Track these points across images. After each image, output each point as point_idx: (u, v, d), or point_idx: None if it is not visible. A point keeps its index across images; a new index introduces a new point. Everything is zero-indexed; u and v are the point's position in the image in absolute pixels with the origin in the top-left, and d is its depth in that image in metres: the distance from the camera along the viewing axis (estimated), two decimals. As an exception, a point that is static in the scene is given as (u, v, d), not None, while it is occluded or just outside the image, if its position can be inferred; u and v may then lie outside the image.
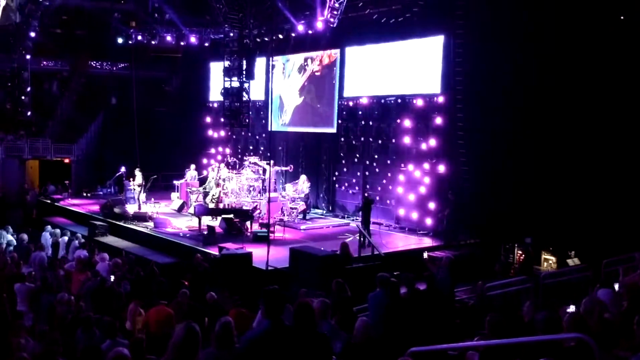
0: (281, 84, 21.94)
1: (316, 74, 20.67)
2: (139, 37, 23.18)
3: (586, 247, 12.94)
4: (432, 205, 16.59)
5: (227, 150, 24.08)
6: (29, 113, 24.80)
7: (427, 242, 15.79)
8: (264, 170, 18.63)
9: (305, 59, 20.99)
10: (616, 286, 8.02)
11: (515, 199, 14.62)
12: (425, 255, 14.37)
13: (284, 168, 20.58)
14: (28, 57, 24.39)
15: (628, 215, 12.52)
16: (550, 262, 13.56)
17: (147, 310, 8.04)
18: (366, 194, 17.29)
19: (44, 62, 26.92)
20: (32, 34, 23.71)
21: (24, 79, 24.54)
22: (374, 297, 7.39)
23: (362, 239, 14.30)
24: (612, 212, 12.82)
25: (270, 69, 19.35)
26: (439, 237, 16.01)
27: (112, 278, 10.43)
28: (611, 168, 13.14)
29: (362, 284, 8.17)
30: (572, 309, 6.85)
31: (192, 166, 21.24)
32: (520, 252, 14.13)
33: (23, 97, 24.54)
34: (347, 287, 7.94)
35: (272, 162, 18.56)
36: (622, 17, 13.29)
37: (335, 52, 19.93)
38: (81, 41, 26.38)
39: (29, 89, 24.67)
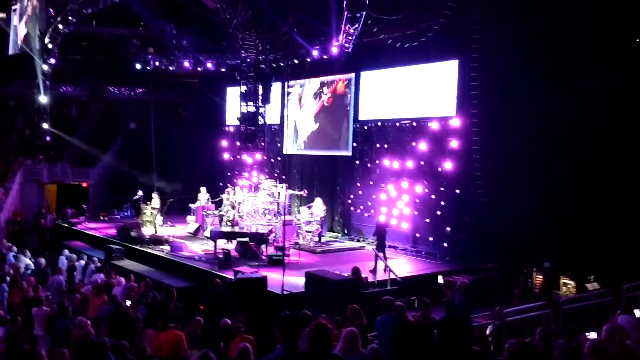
0: (296, 111, 22.10)
1: (331, 100, 20.75)
2: (157, 63, 23.54)
3: (606, 272, 12.72)
4: (448, 229, 16.47)
5: (244, 174, 24.19)
6: (48, 138, 25.23)
7: (444, 266, 15.64)
8: (279, 193, 18.67)
9: (321, 85, 21.12)
10: (637, 312, 7.83)
11: (533, 222, 14.46)
12: (441, 279, 14.21)
13: (297, 192, 20.42)
14: (47, 83, 24.91)
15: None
16: (569, 286, 13.34)
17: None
18: (382, 219, 17.17)
19: (63, 88, 27.42)
20: (52, 60, 24.22)
21: (44, 104, 25.04)
22: (380, 321, 7.37)
23: (377, 263, 14.24)
24: (632, 236, 12.61)
25: (286, 94, 19.52)
26: (455, 261, 15.86)
27: (128, 302, 10.45)
28: (631, 191, 12.98)
29: (378, 309, 8.08)
30: (593, 335, 6.70)
31: (203, 189, 21.22)
32: (539, 276, 13.94)
33: (43, 123, 25.04)
34: (362, 314, 7.88)
35: (285, 185, 18.60)
36: (637, 40, 13.25)
37: (349, 78, 20.07)
38: (100, 67, 26.87)
39: (48, 114, 25.13)
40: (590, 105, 13.42)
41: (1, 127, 26.66)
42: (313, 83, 21.49)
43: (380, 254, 14.48)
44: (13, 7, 24.50)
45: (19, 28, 24.23)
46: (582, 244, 13.41)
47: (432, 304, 8.03)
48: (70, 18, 21.40)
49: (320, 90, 21.16)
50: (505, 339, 7.16)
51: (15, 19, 24.56)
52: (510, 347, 5.19)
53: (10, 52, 24.78)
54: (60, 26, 22.38)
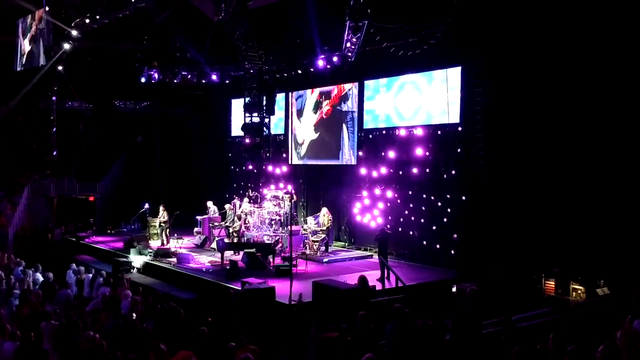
0: (295, 119, 22.18)
1: (331, 110, 20.81)
2: (162, 76, 23.65)
3: (616, 276, 12.62)
4: (455, 236, 16.41)
5: (249, 185, 24.21)
6: (54, 152, 25.38)
7: (451, 273, 15.56)
8: (284, 204, 18.66)
9: (321, 95, 21.19)
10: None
11: (541, 228, 14.39)
12: (454, 289, 14.09)
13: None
14: (54, 98, 25.07)
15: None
16: (579, 291, 13.25)
17: (171, 347, 7.98)
18: (386, 227, 17.08)
19: (69, 103, 27.59)
20: (57, 76, 24.40)
21: (50, 119, 25.17)
22: (390, 329, 7.34)
23: (385, 271, 14.20)
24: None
25: (290, 104, 19.57)
26: (463, 268, 15.78)
27: (134, 315, 10.43)
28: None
29: (386, 318, 8.04)
30: (604, 341, 6.63)
31: (210, 202, 21.15)
32: (548, 282, 13.85)
33: (49, 138, 25.20)
34: (369, 321, 7.87)
35: (288, 195, 18.62)
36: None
37: (350, 87, 20.12)
38: (105, 81, 27.02)
39: (54, 129, 25.29)
40: (597, 111, 13.36)
41: (8, 142, 26.84)
42: (314, 93, 21.56)
43: (383, 259, 14.49)
44: (17, 21, 24.70)
45: (24, 45, 24.41)
46: (592, 249, 13.32)
47: (442, 312, 8.02)
48: (74, 34, 21.55)
49: (320, 99, 21.22)
50: (514, 345, 7.10)
51: (20, 35, 24.76)
52: (518, 353, 5.13)
53: (18, 68, 24.98)
54: (64, 42, 22.54)
